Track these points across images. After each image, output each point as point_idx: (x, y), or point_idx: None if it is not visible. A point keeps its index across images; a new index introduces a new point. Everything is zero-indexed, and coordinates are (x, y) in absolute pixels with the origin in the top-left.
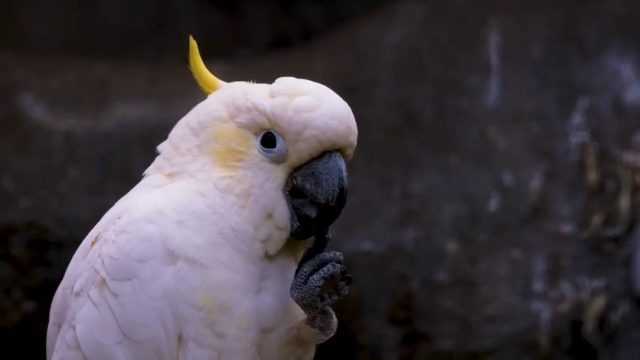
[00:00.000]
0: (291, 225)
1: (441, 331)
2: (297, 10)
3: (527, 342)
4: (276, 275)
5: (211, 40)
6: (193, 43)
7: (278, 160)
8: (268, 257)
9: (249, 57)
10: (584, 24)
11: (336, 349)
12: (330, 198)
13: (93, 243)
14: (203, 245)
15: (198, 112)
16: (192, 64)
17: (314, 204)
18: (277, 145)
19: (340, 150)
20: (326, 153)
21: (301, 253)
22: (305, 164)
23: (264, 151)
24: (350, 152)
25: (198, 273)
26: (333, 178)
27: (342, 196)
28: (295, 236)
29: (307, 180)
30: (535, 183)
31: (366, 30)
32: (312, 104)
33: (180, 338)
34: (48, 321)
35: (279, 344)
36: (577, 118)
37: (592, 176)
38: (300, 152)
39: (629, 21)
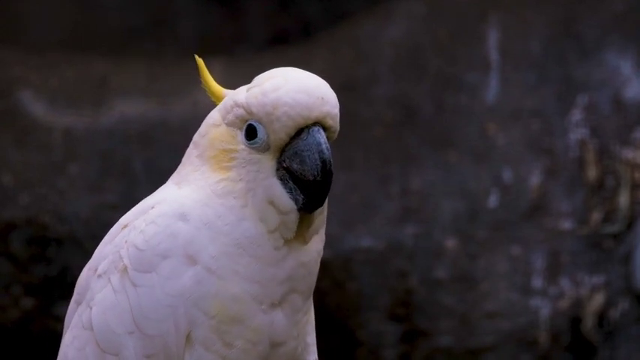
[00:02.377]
0: (298, 200)
1: (441, 328)
2: (296, 6)
3: (526, 338)
4: (295, 272)
5: (211, 37)
6: (200, 62)
7: (263, 149)
8: (287, 243)
9: (248, 54)
10: (583, 21)
11: (336, 345)
12: (316, 173)
13: (122, 228)
14: (219, 256)
15: (201, 125)
16: (203, 82)
17: (305, 182)
18: (258, 134)
19: (321, 124)
20: (304, 130)
21: (311, 233)
22: (288, 146)
23: (249, 143)
24: (331, 123)
25: (214, 282)
26: (313, 154)
27: (325, 169)
28: (305, 209)
29: (293, 160)
30: (534, 180)
31: (366, 27)
32: (278, 84)
33: (188, 338)
34: (47, 317)
35: (285, 359)
36: (576, 115)
37: (591, 173)
38: (277, 133)
39: (629, 17)
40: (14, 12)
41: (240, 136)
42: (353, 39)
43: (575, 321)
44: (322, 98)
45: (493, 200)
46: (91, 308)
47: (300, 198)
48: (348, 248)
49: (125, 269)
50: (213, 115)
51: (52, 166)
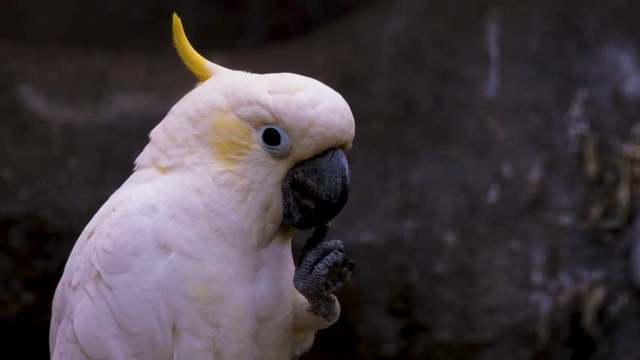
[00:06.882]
0: (294, 217)
1: (440, 323)
2: (296, 1)
3: (526, 333)
4: (271, 261)
5: (211, 31)
6: (177, 21)
7: (281, 156)
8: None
9: (248, 48)
10: (583, 15)
11: (335, 340)
12: (333, 196)
13: (89, 237)
14: (195, 240)
15: (195, 100)
16: (176, 43)
17: (315, 199)
18: (281, 142)
19: (341, 145)
20: (329, 150)
21: (292, 235)
22: (307, 160)
23: (268, 147)
24: (350, 145)
25: (191, 265)
26: (336, 177)
27: (344, 194)
28: (298, 227)
29: (309, 176)
30: (534, 174)
31: (365, 21)
32: (314, 99)
33: (174, 329)
34: (47, 312)
35: (277, 332)
36: (576, 110)
37: (591, 168)
38: (305, 148)
39: (628, 12)
40: (14, 6)
41: (256, 135)
42: (352, 33)
43: (575, 316)
44: (351, 122)
45: (493, 195)
46: (72, 321)
47: (297, 215)
48: (347, 243)
49: (99, 275)
50: (217, 97)
51: (51, 161)
